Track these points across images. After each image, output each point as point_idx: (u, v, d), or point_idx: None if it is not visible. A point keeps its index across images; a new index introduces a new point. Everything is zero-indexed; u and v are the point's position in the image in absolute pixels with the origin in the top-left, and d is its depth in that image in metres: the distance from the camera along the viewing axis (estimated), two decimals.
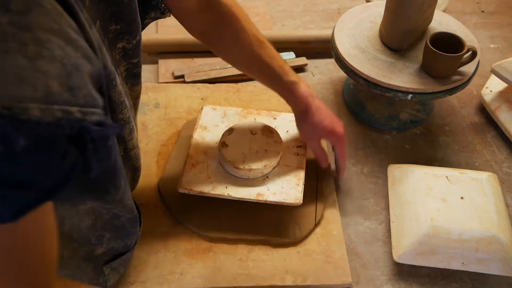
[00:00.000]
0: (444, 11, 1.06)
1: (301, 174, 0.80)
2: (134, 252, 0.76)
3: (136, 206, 0.72)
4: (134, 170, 0.73)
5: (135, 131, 0.67)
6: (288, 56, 1.10)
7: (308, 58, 1.11)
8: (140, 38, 0.65)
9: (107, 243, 0.67)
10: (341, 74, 1.09)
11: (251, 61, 0.78)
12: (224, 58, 0.83)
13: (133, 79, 0.69)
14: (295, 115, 0.81)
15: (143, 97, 0.99)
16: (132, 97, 0.73)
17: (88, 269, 0.68)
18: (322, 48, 1.11)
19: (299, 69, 1.10)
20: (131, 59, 0.65)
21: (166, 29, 1.17)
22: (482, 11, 1.30)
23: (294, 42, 1.12)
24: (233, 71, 1.06)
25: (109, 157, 0.51)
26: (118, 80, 0.55)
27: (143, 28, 0.70)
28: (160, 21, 1.20)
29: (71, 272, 0.66)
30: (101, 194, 0.55)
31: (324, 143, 0.93)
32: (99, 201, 0.58)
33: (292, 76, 0.78)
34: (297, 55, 1.11)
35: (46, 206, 0.44)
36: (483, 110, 1.02)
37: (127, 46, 0.63)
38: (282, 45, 1.12)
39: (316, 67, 1.11)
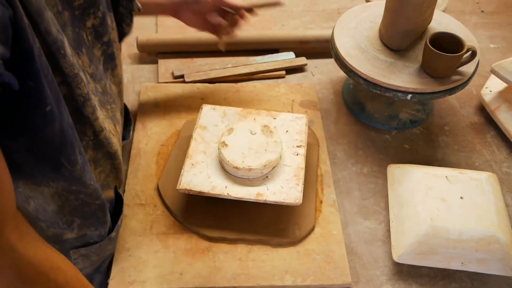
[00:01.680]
0: (443, 11, 1.06)
1: (301, 174, 0.80)
2: (115, 244, 0.76)
3: (119, 196, 0.76)
4: (111, 156, 0.72)
5: (98, 110, 0.66)
6: (288, 56, 1.10)
7: (308, 58, 1.11)
8: (106, 12, 0.67)
9: (78, 229, 0.67)
10: (341, 74, 1.09)
11: None
12: None
13: (111, 61, 0.71)
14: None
15: (143, 97, 1.00)
16: (115, 83, 0.75)
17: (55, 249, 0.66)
18: (322, 48, 1.11)
19: (299, 69, 1.10)
20: (102, 38, 0.67)
21: (166, 29, 1.17)
22: (482, 11, 1.30)
23: (294, 42, 1.12)
24: (233, 71, 1.07)
25: (51, 124, 0.52)
26: (69, 51, 0.56)
27: (120, 17, 0.74)
28: (160, 21, 1.20)
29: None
30: (55, 167, 0.56)
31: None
32: (56, 175, 0.58)
33: None
34: (297, 55, 1.11)
35: None
36: (483, 110, 1.02)
37: (95, 22, 0.64)
38: (282, 45, 1.12)
39: (316, 67, 1.11)
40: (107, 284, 0.74)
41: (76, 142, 0.58)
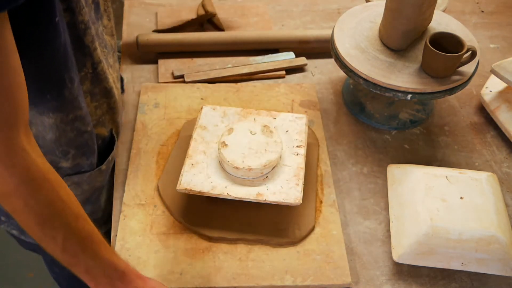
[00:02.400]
0: (443, 11, 1.06)
1: (301, 174, 0.80)
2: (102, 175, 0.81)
3: (112, 137, 0.82)
4: (107, 94, 0.77)
5: (96, 42, 0.70)
6: (288, 56, 1.10)
7: (308, 58, 1.11)
8: None
9: (72, 159, 0.72)
10: (341, 74, 1.09)
11: None
12: None
13: (98, 10, 0.73)
14: None
15: (143, 97, 1.00)
16: (107, 34, 0.78)
17: None
18: (322, 48, 1.11)
19: (299, 69, 1.10)
20: None
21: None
22: (482, 11, 1.30)
23: (294, 42, 1.12)
24: (233, 71, 1.07)
25: (59, 36, 0.57)
26: None
27: None
28: (160, 21, 1.20)
29: None
30: (59, 86, 0.60)
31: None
32: (57, 102, 0.62)
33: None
34: (297, 55, 1.11)
35: (9, 45, 0.48)
36: (483, 110, 1.02)
37: None
38: (282, 45, 1.12)
39: (316, 67, 1.11)
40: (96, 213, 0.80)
41: (72, 59, 0.63)
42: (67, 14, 0.61)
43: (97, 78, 0.74)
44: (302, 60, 1.10)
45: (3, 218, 0.86)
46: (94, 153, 0.77)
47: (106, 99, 0.78)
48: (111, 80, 0.78)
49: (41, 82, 0.60)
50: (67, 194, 0.58)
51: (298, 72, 1.10)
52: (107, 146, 0.83)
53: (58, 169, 0.72)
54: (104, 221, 0.89)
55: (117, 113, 0.83)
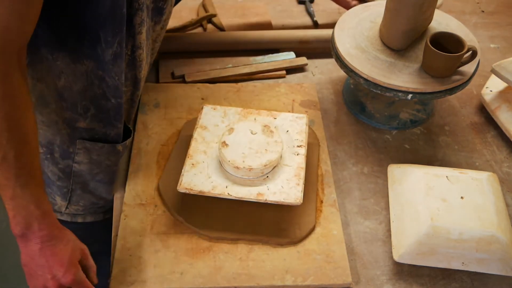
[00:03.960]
0: (439, 7, 1.05)
1: (301, 174, 0.80)
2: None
3: (127, 128, 0.84)
4: (135, 83, 0.80)
5: (144, 27, 0.73)
6: (288, 56, 1.10)
7: (308, 58, 1.11)
8: None
9: (90, 119, 0.74)
10: (341, 74, 1.09)
11: None
12: None
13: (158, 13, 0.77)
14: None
15: (143, 97, 1.00)
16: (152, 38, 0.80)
17: (64, 132, 0.75)
18: (322, 48, 1.11)
19: (299, 69, 1.10)
20: None
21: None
22: (482, 11, 1.30)
23: (294, 42, 1.12)
24: (233, 71, 1.07)
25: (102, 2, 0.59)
26: None
27: None
28: None
29: (49, 122, 0.74)
30: (93, 42, 0.63)
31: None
32: (91, 51, 0.64)
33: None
34: (297, 55, 1.11)
35: None
36: (483, 110, 1.02)
37: None
38: (282, 45, 1.12)
39: (316, 67, 1.11)
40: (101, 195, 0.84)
41: (117, 27, 0.65)
42: None
43: (133, 63, 0.76)
44: (302, 60, 1.10)
45: None
46: (113, 126, 0.78)
47: (132, 88, 0.79)
48: (143, 71, 0.79)
49: (80, 29, 0.62)
50: (30, 122, 0.59)
51: (299, 72, 1.10)
52: (125, 134, 0.85)
53: (74, 128, 0.74)
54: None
55: (134, 107, 0.86)
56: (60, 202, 0.88)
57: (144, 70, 0.81)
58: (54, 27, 0.64)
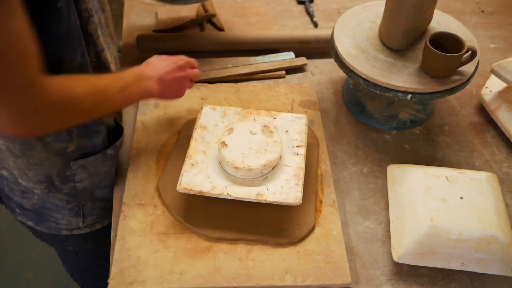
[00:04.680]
0: None
1: (301, 174, 0.80)
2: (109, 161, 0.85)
3: (119, 125, 0.87)
4: None
5: (99, 30, 0.75)
6: (288, 56, 1.10)
7: (308, 58, 1.11)
8: None
9: (76, 140, 0.77)
10: (341, 74, 1.09)
11: None
12: None
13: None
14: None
15: None
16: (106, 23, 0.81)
17: (57, 161, 0.78)
18: (322, 48, 1.11)
19: (299, 69, 1.10)
20: None
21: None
22: (482, 11, 1.30)
23: (294, 42, 1.12)
24: (233, 71, 1.07)
25: (60, 21, 0.61)
26: None
27: None
28: (159, 20, 1.20)
29: (34, 160, 0.76)
30: (57, 62, 0.65)
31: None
32: (59, 71, 0.65)
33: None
34: (297, 55, 1.11)
35: (19, 15, 0.53)
36: (483, 110, 1.02)
37: None
38: (282, 45, 1.12)
39: (316, 67, 1.11)
40: (108, 200, 0.85)
41: (80, 45, 0.68)
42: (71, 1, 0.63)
43: (101, 66, 0.76)
44: (302, 60, 1.10)
45: (18, 210, 0.88)
46: (97, 134, 0.80)
47: None
48: (113, 69, 0.80)
49: (43, 53, 0.62)
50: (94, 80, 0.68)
51: (298, 72, 1.10)
52: (114, 133, 0.86)
53: (66, 155, 0.77)
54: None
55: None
56: (75, 221, 0.90)
57: (113, 64, 0.82)
58: None
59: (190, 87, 0.88)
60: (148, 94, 0.78)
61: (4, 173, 0.82)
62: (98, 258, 0.86)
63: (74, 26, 0.65)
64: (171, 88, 0.82)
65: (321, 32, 1.13)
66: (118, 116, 0.90)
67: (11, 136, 0.63)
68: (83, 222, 0.90)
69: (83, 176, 0.82)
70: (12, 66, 0.54)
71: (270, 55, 1.10)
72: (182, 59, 0.85)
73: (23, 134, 0.62)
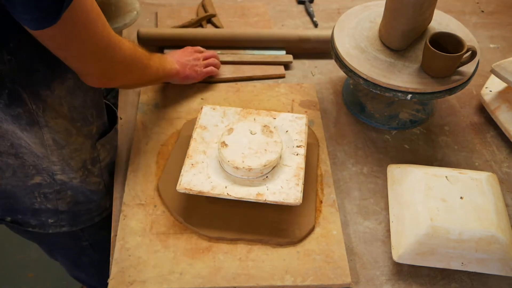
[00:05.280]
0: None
1: (301, 174, 0.80)
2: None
3: (109, 107, 0.92)
4: None
5: None
6: (278, 53, 1.11)
7: (308, 58, 1.11)
8: None
9: (96, 121, 0.83)
10: (341, 74, 1.09)
11: None
12: None
13: None
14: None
15: (143, 97, 1.00)
16: None
17: (88, 145, 0.83)
18: (322, 49, 1.11)
19: (299, 69, 1.10)
20: None
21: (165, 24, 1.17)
22: (482, 11, 1.30)
23: (293, 41, 1.12)
24: (222, 57, 1.08)
25: None
26: None
27: None
28: (159, 20, 1.19)
29: (74, 147, 0.80)
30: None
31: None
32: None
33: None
34: (296, 55, 1.11)
35: None
36: (483, 110, 1.02)
37: None
38: (281, 44, 1.12)
39: (316, 67, 1.11)
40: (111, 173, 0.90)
41: None
42: None
43: None
44: (287, 57, 1.10)
45: (51, 220, 0.90)
46: (104, 111, 0.86)
47: None
48: None
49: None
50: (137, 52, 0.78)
51: (297, 72, 1.10)
52: (109, 110, 0.92)
53: (92, 136, 0.83)
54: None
55: None
56: (104, 202, 0.94)
57: None
58: (45, 60, 0.68)
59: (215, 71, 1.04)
60: (171, 70, 0.92)
61: (37, 179, 0.83)
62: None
63: None
64: (186, 67, 0.98)
65: (321, 32, 1.12)
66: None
67: (97, 85, 0.74)
68: (109, 200, 0.93)
69: (104, 154, 0.88)
70: (97, 27, 0.64)
71: (260, 50, 1.11)
72: (191, 47, 1.01)
73: (107, 82, 0.75)
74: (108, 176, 0.91)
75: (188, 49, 1.02)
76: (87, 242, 1.00)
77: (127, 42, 0.74)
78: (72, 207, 0.89)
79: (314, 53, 1.13)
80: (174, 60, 0.94)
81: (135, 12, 1.02)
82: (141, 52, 0.79)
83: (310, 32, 1.13)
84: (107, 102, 0.92)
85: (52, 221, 0.90)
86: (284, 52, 1.11)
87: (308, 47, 1.12)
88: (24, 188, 0.84)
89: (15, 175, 0.81)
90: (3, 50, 0.63)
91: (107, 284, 0.73)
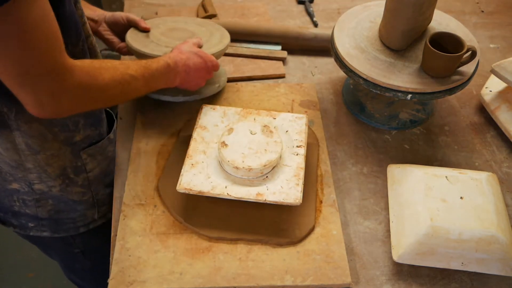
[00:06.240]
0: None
1: (301, 174, 0.80)
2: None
3: (108, 112, 0.88)
4: None
5: (85, 17, 0.77)
6: (273, 48, 1.12)
7: (308, 58, 1.11)
8: None
9: (83, 129, 0.79)
10: (341, 74, 1.09)
11: None
12: None
13: None
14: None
15: (143, 97, 0.99)
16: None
17: (67, 152, 0.79)
18: (321, 47, 1.12)
19: (298, 68, 1.10)
20: None
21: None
22: (482, 11, 1.30)
23: (291, 38, 1.12)
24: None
25: (63, 5, 0.63)
26: None
27: None
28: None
29: (51, 152, 0.78)
30: (64, 42, 0.63)
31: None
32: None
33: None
34: (296, 52, 1.12)
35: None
36: (483, 110, 1.02)
37: None
38: (279, 40, 1.13)
39: (316, 67, 1.11)
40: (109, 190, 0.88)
41: (79, 31, 0.70)
42: None
43: (90, 52, 0.78)
44: (281, 53, 1.11)
45: (31, 224, 0.88)
46: (101, 122, 0.83)
47: None
48: (99, 53, 0.83)
49: None
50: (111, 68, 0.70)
51: (298, 72, 1.10)
52: (108, 118, 0.89)
53: (73, 144, 0.79)
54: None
55: None
56: (91, 213, 0.91)
57: (97, 51, 0.85)
58: None
59: (208, 78, 0.92)
60: (169, 85, 0.84)
61: (15, 186, 0.82)
62: (106, 255, 0.87)
63: (73, 11, 0.67)
64: (191, 83, 0.88)
65: (320, 30, 1.13)
66: None
67: (38, 116, 0.64)
68: (98, 212, 0.91)
69: (93, 165, 0.85)
70: (38, 48, 0.55)
71: (256, 43, 1.12)
72: (211, 61, 0.88)
73: (49, 114, 0.63)
74: (101, 189, 0.88)
75: (205, 60, 0.89)
76: (78, 249, 0.99)
77: (87, 66, 0.65)
78: (54, 215, 0.87)
79: (314, 53, 1.13)
80: (182, 74, 0.84)
81: (217, 85, 0.99)
82: (124, 75, 0.71)
83: (311, 29, 1.13)
84: (109, 111, 0.90)
85: (32, 225, 0.89)
86: (279, 47, 1.12)
87: (306, 44, 1.12)
88: (3, 190, 0.82)
89: None
90: None
91: None
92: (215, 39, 0.97)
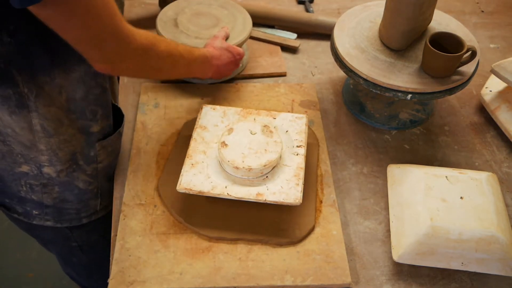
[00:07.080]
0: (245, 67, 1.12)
1: (301, 174, 0.80)
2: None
3: (115, 107, 0.90)
4: None
5: None
6: (288, 36, 1.15)
7: (308, 57, 1.11)
8: None
9: (100, 120, 0.81)
10: (341, 74, 1.09)
11: None
12: None
13: None
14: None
15: (143, 97, 1.00)
16: None
17: (82, 140, 0.81)
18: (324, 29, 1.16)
19: (298, 68, 1.10)
20: None
21: None
22: (482, 11, 1.30)
23: (298, 22, 1.16)
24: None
25: None
26: None
27: None
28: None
29: (64, 137, 0.79)
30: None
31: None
32: (80, 56, 0.68)
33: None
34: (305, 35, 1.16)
35: None
36: (483, 110, 1.02)
37: None
38: (284, 23, 1.16)
39: (316, 67, 1.11)
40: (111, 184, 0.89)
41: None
42: None
43: None
44: (294, 42, 1.13)
45: (35, 212, 0.89)
46: (111, 114, 0.85)
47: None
48: None
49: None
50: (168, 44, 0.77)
51: (298, 72, 1.10)
52: (116, 113, 0.91)
53: (90, 134, 0.81)
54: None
55: (114, 83, 0.96)
56: (93, 204, 0.91)
57: None
58: (46, 46, 0.67)
59: (235, 70, 1.00)
60: (203, 76, 0.91)
61: (25, 168, 0.82)
62: (102, 251, 0.88)
63: None
64: (220, 76, 0.96)
65: (326, 18, 1.17)
66: (113, 97, 0.97)
67: (103, 71, 0.71)
68: (100, 204, 0.92)
69: (104, 156, 0.86)
70: (102, 15, 0.61)
71: (272, 29, 1.16)
72: (239, 53, 0.96)
73: (110, 71, 0.70)
74: (104, 181, 0.90)
75: (234, 54, 0.96)
76: (76, 243, 1.00)
77: (145, 34, 0.71)
78: (58, 203, 0.88)
79: (314, 53, 1.13)
80: (215, 68, 0.92)
81: (240, 65, 1.04)
82: (176, 50, 0.78)
83: (318, 16, 1.18)
84: (117, 105, 0.91)
85: (36, 212, 0.89)
86: (295, 36, 1.15)
87: (310, 30, 1.16)
88: (11, 173, 0.83)
89: (4, 159, 0.80)
90: (2, 32, 0.63)
91: (95, 285, 0.73)
92: (239, 25, 1.01)
